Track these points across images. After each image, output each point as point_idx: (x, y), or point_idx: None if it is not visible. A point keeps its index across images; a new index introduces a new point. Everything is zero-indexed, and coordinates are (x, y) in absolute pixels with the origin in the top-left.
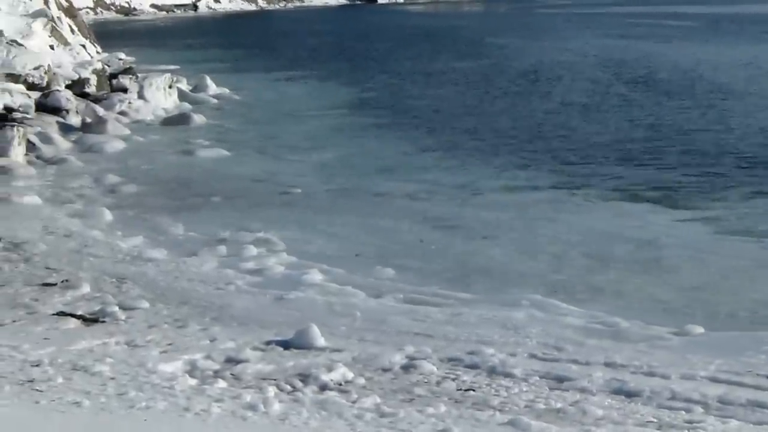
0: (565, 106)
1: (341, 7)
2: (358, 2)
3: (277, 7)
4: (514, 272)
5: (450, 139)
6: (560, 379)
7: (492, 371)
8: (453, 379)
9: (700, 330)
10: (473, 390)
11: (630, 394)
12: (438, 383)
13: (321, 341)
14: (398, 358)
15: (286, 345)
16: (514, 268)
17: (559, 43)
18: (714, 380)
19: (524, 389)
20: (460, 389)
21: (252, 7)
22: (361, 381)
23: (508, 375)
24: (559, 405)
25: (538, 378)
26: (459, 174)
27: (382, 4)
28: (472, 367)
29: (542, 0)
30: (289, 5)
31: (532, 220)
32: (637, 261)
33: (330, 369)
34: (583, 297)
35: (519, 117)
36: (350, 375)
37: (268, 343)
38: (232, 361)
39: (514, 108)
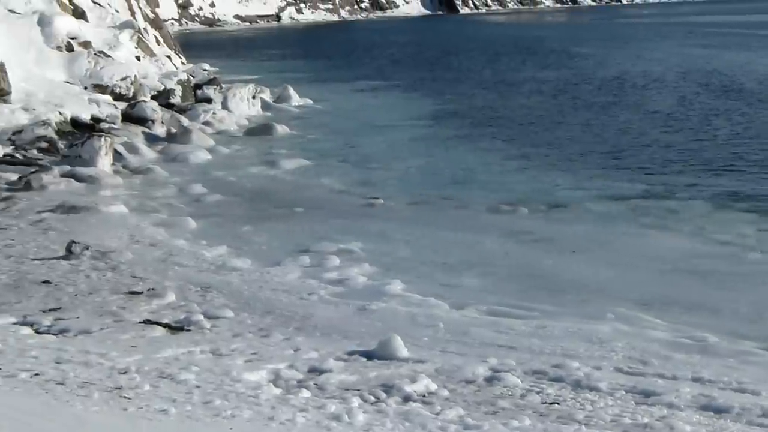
0: (649, 116)
1: (423, 18)
2: (440, 12)
3: (359, 17)
4: (598, 285)
5: (533, 150)
6: (647, 394)
7: (577, 385)
8: (537, 392)
9: None
10: (558, 403)
11: (719, 411)
12: (522, 396)
13: (404, 352)
14: (482, 370)
15: (369, 355)
16: (599, 280)
17: (642, 53)
18: None
19: (610, 403)
20: (545, 402)
21: (334, 18)
22: (445, 393)
23: (593, 389)
24: (645, 420)
25: (623, 392)
26: (542, 185)
27: (464, 14)
28: (557, 380)
29: (625, 10)
30: (371, 16)
31: (617, 232)
32: (726, 273)
33: (413, 380)
34: (669, 310)
35: (603, 127)
36: (433, 386)
37: (351, 353)
38: (315, 371)
39: (598, 118)
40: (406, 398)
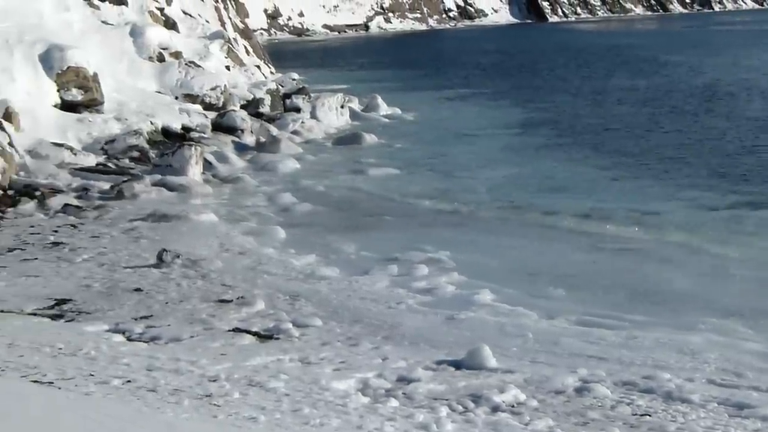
0: (742, 125)
1: (511, 26)
2: (529, 21)
3: (447, 26)
4: (690, 295)
5: (623, 159)
6: (740, 407)
7: (668, 396)
8: (628, 404)
9: None
10: (649, 415)
11: None
12: (612, 407)
13: (492, 362)
14: (571, 381)
15: (457, 365)
16: (691, 290)
17: (735, 60)
18: None
19: (702, 416)
20: (636, 414)
21: (422, 27)
22: (534, 403)
23: (685, 401)
24: None
25: (716, 404)
26: (632, 194)
27: (553, 22)
28: (648, 391)
29: (717, 17)
30: (459, 25)
31: (709, 241)
32: None
33: (502, 390)
34: (764, 321)
35: (694, 136)
36: (522, 397)
37: (440, 362)
38: (403, 380)
39: (689, 127)
40: (495, 408)
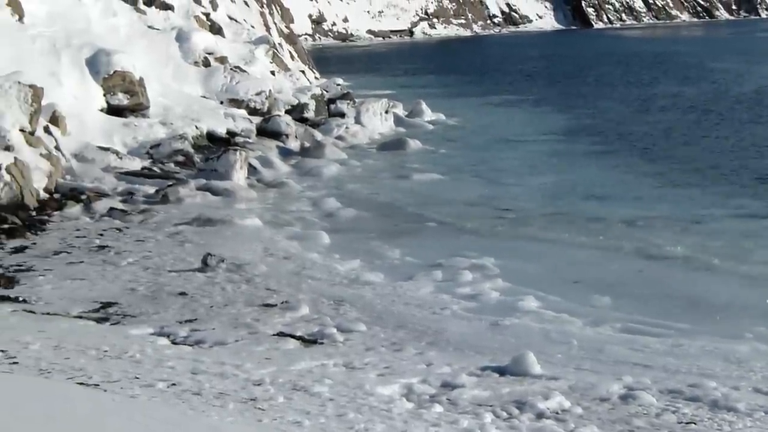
0: None
1: (556, 32)
2: (573, 27)
3: (491, 32)
4: (736, 303)
5: (669, 166)
6: None
7: (714, 405)
8: (673, 412)
9: None
10: (695, 423)
11: None
12: (658, 415)
13: (537, 369)
14: (616, 388)
15: (501, 371)
16: (736, 298)
17: None
18: None
19: (749, 425)
20: (681, 422)
21: (467, 33)
22: (579, 410)
23: (731, 409)
24: None
25: (763, 414)
26: (678, 202)
27: (599, 28)
28: (693, 400)
29: (764, 23)
30: (504, 30)
31: (755, 249)
32: None
33: (546, 397)
34: None
35: (740, 143)
36: (567, 404)
37: (484, 369)
38: (448, 386)
39: (735, 134)
40: (540, 415)
